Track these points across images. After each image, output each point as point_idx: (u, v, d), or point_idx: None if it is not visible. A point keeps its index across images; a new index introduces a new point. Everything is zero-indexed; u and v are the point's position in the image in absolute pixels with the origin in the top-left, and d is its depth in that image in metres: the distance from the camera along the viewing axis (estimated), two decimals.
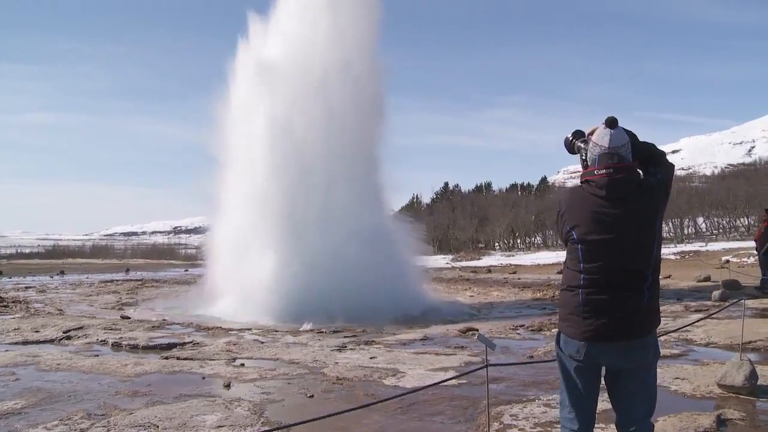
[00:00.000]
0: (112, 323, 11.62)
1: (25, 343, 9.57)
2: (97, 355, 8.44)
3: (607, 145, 2.83)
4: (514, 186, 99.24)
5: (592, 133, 2.95)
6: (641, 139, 2.96)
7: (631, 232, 2.76)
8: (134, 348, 9.16)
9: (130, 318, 12.80)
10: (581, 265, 2.83)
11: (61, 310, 14.99)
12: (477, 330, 9.93)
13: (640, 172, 2.91)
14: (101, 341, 9.65)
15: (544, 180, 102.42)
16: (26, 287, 21.98)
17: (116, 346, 9.34)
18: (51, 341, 9.77)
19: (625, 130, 2.90)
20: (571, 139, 3.10)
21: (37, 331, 10.53)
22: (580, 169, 3.04)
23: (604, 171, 2.81)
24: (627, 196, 2.78)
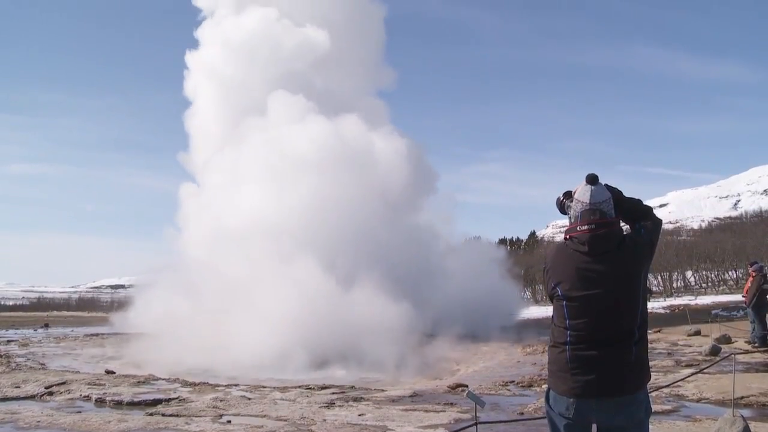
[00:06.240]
0: (96, 378, 11.40)
1: (4, 399, 9.36)
2: (80, 412, 8.26)
3: (588, 201, 2.87)
4: (503, 240, 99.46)
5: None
6: (629, 193, 3.01)
7: (615, 288, 2.77)
8: (118, 404, 8.98)
9: (115, 373, 12.56)
10: (567, 321, 2.83)
11: (44, 364, 14.71)
12: (466, 386, 9.81)
13: (625, 227, 2.95)
14: (84, 397, 9.45)
15: (533, 234, 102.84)
16: (8, 341, 21.60)
17: (100, 402, 9.15)
18: (32, 397, 9.56)
19: (608, 186, 2.95)
20: (561, 199, 3.13)
21: (17, 387, 10.30)
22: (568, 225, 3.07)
23: (586, 227, 2.84)
24: (609, 252, 2.80)
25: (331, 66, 24.34)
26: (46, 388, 10.07)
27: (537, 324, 23.54)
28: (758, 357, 12.27)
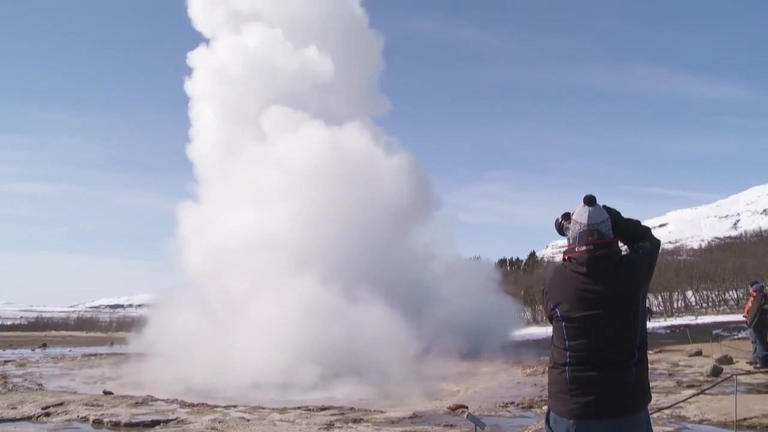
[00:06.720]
0: (94, 399, 11.31)
1: (1, 420, 9.27)
2: None
3: (586, 222, 2.90)
4: (502, 260, 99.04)
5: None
6: (628, 213, 3.03)
7: (614, 309, 2.78)
8: (116, 425, 8.91)
9: (113, 393, 12.47)
10: (566, 342, 2.84)
11: (41, 384, 14.61)
12: (466, 407, 9.74)
13: (623, 248, 2.96)
14: (82, 418, 9.38)
15: (532, 255, 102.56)
16: (5, 361, 21.45)
17: (97, 423, 9.08)
18: (28, 418, 9.48)
19: (606, 207, 2.98)
20: (560, 220, 3.16)
21: (13, 408, 10.22)
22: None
23: (584, 248, 2.87)
24: (608, 272, 2.81)
25: (328, 92, 24.55)
26: (43, 409, 9.99)
27: (537, 344, 23.46)
28: (760, 378, 12.19)
